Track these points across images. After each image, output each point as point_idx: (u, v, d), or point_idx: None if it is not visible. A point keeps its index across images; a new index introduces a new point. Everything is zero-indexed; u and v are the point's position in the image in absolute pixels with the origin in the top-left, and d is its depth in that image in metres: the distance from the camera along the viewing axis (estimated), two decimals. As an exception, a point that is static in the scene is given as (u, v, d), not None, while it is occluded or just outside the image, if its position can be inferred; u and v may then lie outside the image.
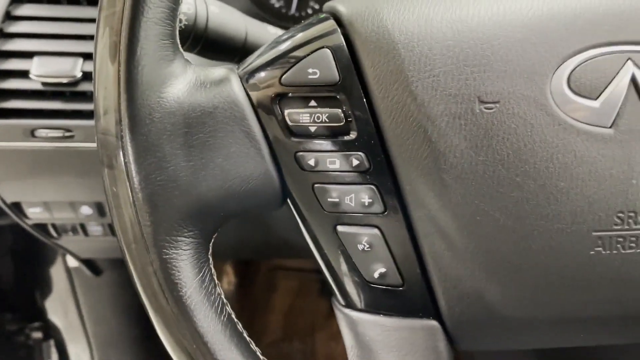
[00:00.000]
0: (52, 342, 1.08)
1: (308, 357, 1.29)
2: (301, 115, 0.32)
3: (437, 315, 0.34)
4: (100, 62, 0.30)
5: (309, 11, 0.68)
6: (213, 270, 0.33)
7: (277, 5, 0.67)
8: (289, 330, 1.31)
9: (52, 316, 1.06)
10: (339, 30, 0.32)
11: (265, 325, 1.31)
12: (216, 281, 0.33)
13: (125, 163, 0.30)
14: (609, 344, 0.36)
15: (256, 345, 0.34)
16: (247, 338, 0.34)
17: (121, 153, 0.30)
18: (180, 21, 0.40)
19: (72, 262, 0.97)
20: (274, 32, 0.47)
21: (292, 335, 1.30)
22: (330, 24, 0.32)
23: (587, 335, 0.35)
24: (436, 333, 0.34)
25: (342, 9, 0.32)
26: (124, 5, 0.29)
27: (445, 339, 0.35)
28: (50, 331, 1.08)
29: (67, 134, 0.59)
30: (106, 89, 0.30)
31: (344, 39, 0.32)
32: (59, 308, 1.05)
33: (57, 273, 1.02)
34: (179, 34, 0.32)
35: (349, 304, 0.35)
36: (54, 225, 0.74)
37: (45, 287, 1.04)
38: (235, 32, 0.44)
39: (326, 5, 0.34)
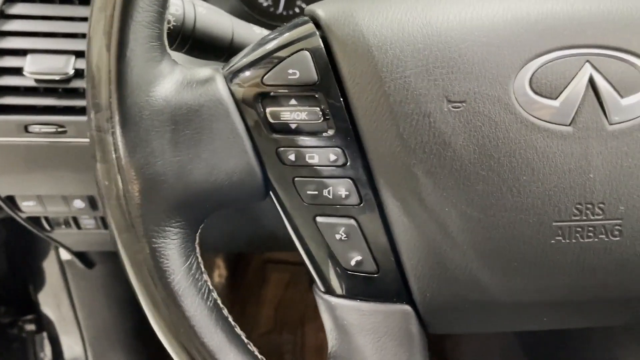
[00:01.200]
0: (45, 335, 1.10)
1: (298, 347, 1.31)
2: (282, 113, 0.34)
3: (410, 301, 0.36)
4: (92, 63, 0.32)
5: (296, 10, 0.70)
6: (200, 259, 0.35)
7: (265, 4, 0.69)
8: (279, 322, 1.33)
9: (45, 309, 1.07)
10: (317, 33, 0.34)
11: (257, 317, 1.33)
12: (203, 269, 0.35)
13: (116, 158, 0.32)
14: (570, 327, 0.39)
15: (248, 337, 0.37)
16: (232, 322, 0.36)
17: (112, 149, 0.32)
18: (169, 22, 0.42)
19: (64, 255, 0.98)
20: (259, 32, 0.49)
21: (283, 327, 1.32)
22: (310, 27, 0.34)
23: (550, 318, 0.38)
24: (409, 317, 0.37)
25: (320, 12, 0.34)
26: (114, 8, 0.31)
27: (417, 323, 0.37)
28: (43, 324, 1.09)
29: (60, 129, 0.61)
30: (98, 89, 0.32)
31: (322, 42, 0.34)
32: (51, 301, 1.06)
33: (49, 266, 1.03)
34: (168, 34, 0.34)
35: (328, 290, 0.38)
36: (47, 219, 0.76)
37: (38, 280, 1.06)
38: (222, 32, 0.46)
39: (307, 9, 0.36)
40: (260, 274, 1.38)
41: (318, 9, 0.34)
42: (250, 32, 0.48)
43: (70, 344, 1.08)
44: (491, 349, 1.10)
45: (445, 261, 0.35)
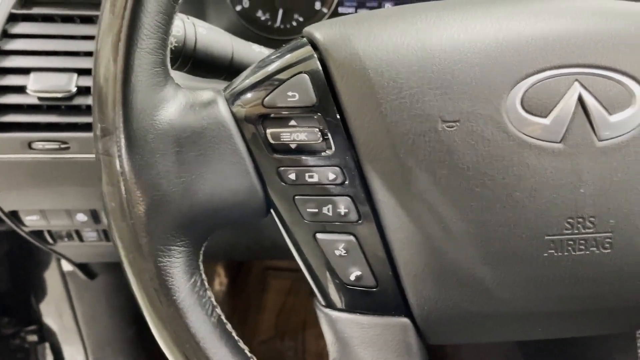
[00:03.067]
0: (47, 345, 1.10)
1: (299, 354, 1.32)
2: (282, 134, 0.35)
3: (408, 313, 0.37)
4: (99, 88, 0.33)
5: (294, 23, 0.71)
6: (204, 276, 0.36)
7: (263, 18, 0.70)
8: (280, 329, 1.34)
9: (47, 319, 1.08)
10: (315, 56, 0.35)
11: (258, 324, 1.34)
12: (206, 286, 0.36)
13: (122, 180, 0.33)
14: (566, 337, 0.40)
15: (249, 344, 0.38)
16: (236, 337, 0.37)
17: (119, 171, 0.33)
18: (171, 43, 0.43)
19: (66, 267, 0.99)
20: (258, 50, 0.50)
21: (284, 334, 1.33)
22: (308, 50, 0.35)
23: (545, 329, 0.39)
24: (407, 329, 0.38)
25: (318, 35, 0.35)
26: (120, 35, 0.32)
27: (416, 335, 0.38)
28: (46, 334, 1.09)
29: (63, 145, 0.62)
30: (105, 114, 0.33)
31: (320, 64, 0.35)
32: (54, 311, 1.07)
33: (52, 277, 1.04)
34: (170, 54, 0.35)
35: (329, 304, 0.39)
36: (49, 232, 0.77)
37: (40, 291, 1.06)
38: (222, 52, 0.47)
39: (305, 31, 0.37)
40: (261, 282, 1.39)
41: (315, 32, 0.35)
42: (249, 51, 0.49)
43: (73, 354, 1.09)
44: (491, 354, 1.11)
45: (442, 275, 0.36)
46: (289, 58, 0.35)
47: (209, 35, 0.47)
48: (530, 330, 0.39)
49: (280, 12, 0.70)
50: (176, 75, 0.36)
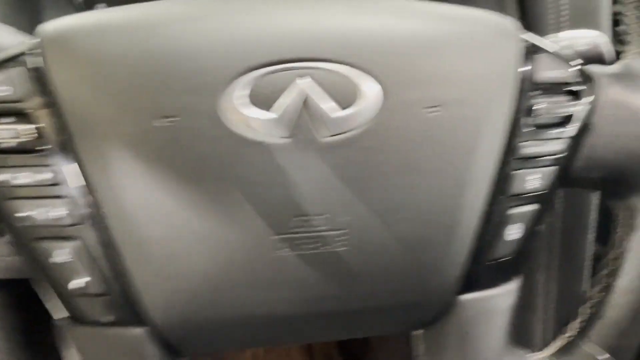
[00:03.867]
0: None
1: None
2: None
3: (144, 322, 0.35)
4: None
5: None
6: None
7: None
8: None
9: None
10: (35, 50, 0.32)
11: None
12: None
13: None
14: (311, 341, 0.38)
15: None
16: None
17: None
18: None
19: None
20: None
21: None
22: (29, 44, 0.32)
23: (290, 333, 0.37)
24: (144, 340, 0.35)
25: (41, 31, 0.33)
26: None
27: (157, 347, 0.35)
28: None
29: None
30: None
31: (41, 59, 0.32)
32: None
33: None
34: None
35: (60, 315, 0.36)
36: None
37: None
38: None
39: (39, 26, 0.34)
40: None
41: (40, 27, 0.33)
42: None
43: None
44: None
45: (174, 281, 0.33)
46: (5, 53, 0.32)
47: None
48: (288, 334, 0.37)
49: None
50: None
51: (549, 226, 0.58)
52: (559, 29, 0.68)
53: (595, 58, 0.44)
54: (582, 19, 0.65)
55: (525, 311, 0.62)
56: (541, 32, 0.45)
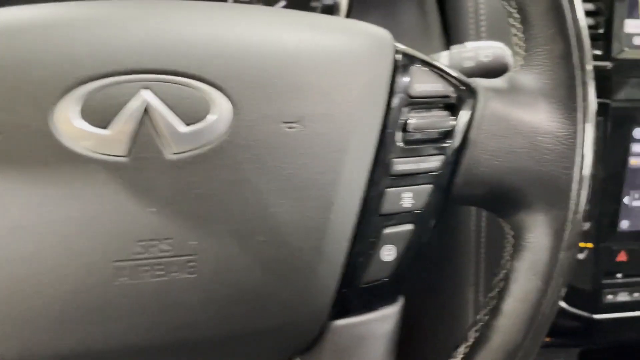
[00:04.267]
0: None
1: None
2: None
3: None
4: None
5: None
6: None
7: None
8: None
9: None
10: None
11: None
12: None
13: None
14: None
15: None
16: None
17: None
18: None
19: None
20: None
21: None
22: None
23: None
24: None
25: None
26: None
27: None
28: None
29: None
30: None
31: None
32: None
33: None
34: None
35: None
36: None
37: None
38: None
39: None
40: None
41: None
42: None
43: None
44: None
45: (9, 315, 0.30)
46: None
47: None
48: None
49: None
50: None
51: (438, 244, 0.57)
52: (479, 39, 0.68)
53: (499, 69, 0.43)
54: (498, 30, 0.64)
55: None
56: (462, 42, 0.43)
